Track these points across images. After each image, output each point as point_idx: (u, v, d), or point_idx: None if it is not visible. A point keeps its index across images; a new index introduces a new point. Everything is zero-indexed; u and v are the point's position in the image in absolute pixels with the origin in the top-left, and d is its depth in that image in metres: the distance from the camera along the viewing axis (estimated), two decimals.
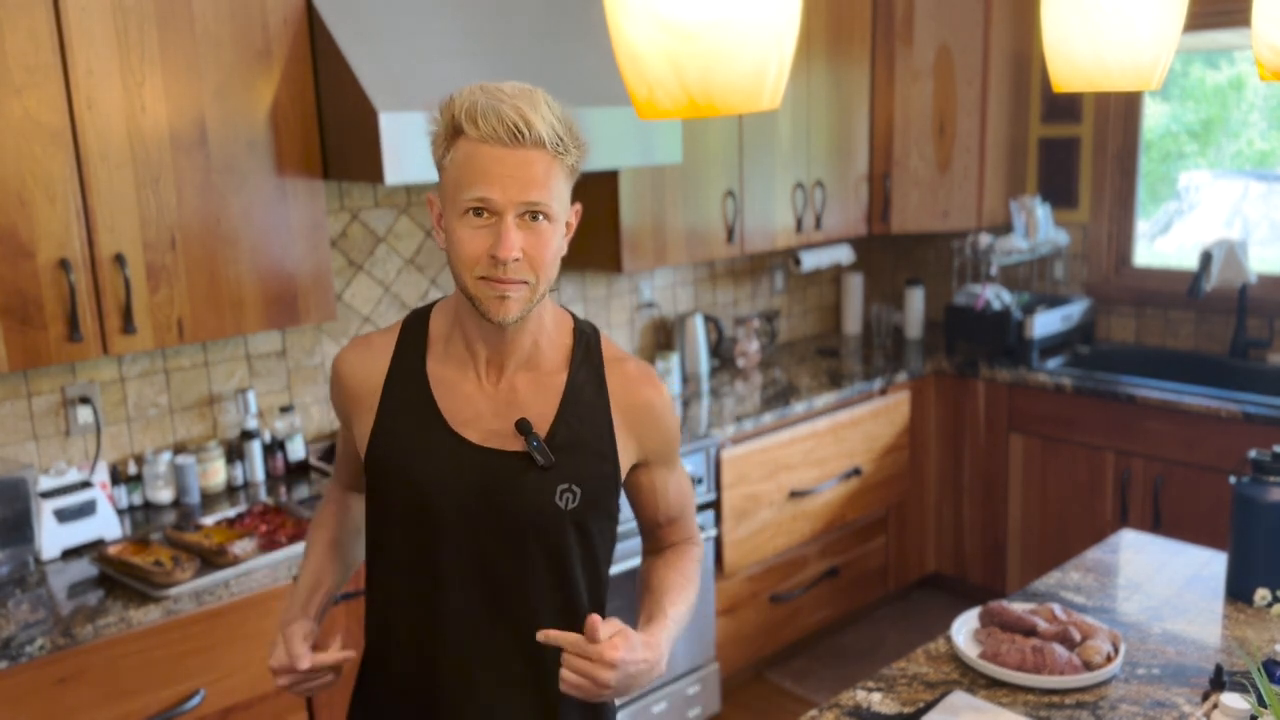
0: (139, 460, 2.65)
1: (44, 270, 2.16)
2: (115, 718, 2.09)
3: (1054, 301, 3.99)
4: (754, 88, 1.01)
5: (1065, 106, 4.02)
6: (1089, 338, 4.03)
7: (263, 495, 2.69)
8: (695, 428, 3.19)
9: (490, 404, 1.41)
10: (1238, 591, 2.00)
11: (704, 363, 3.73)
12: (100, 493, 2.41)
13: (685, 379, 3.71)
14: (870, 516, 3.79)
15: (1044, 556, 3.77)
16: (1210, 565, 2.17)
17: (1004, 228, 4.07)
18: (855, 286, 4.39)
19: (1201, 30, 3.62)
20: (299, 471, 2.85)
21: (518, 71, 2.67)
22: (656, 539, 1.59)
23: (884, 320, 4.22)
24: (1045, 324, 3.79)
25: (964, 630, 1.88)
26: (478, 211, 1.28)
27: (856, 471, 3.62)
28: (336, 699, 2.41)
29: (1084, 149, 4.02)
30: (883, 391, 3.74)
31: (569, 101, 2.79)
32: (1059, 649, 1.73)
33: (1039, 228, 3.90)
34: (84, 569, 2.27)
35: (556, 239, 1.32)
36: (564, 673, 1.30)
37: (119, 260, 2.25)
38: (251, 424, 2.75)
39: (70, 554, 2.34)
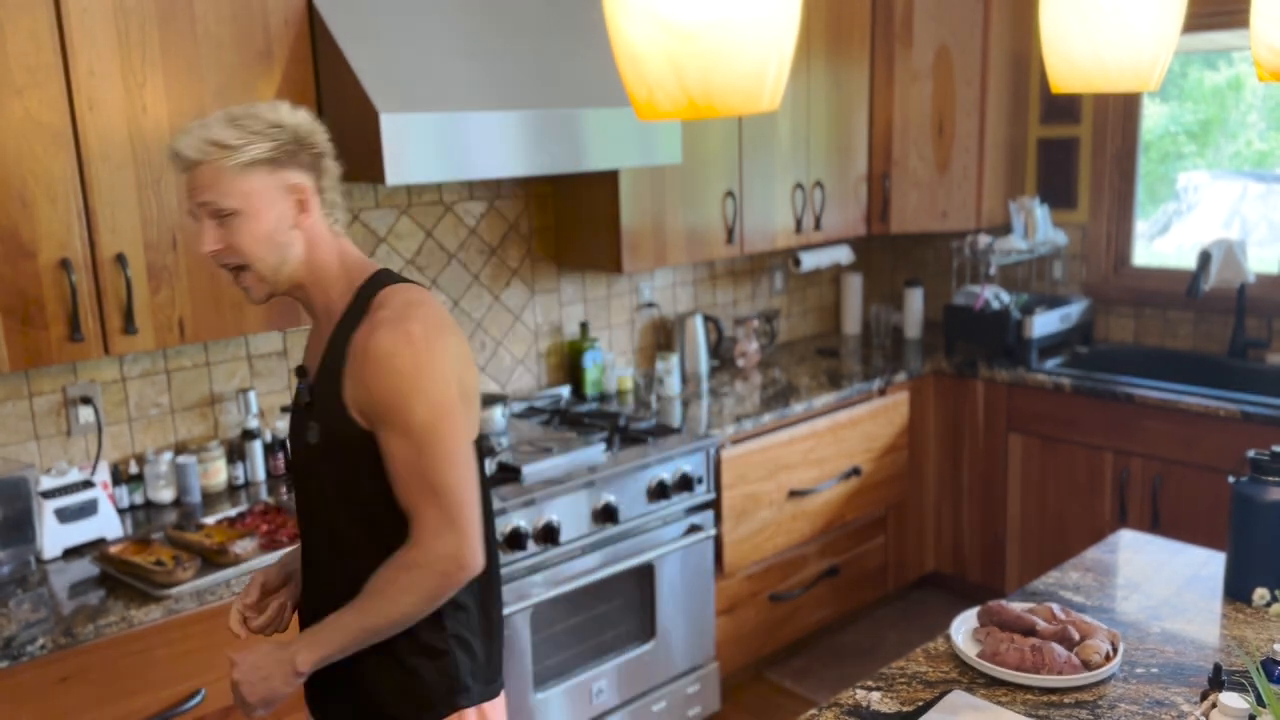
0: (140, 460, 2.65)
1: (45, 270, 2.16)
2: (116, 717, 2.10)
3: (1053, 302, 4.00)
4: (754, 88, 1.02)
5: (1064, 107, 4.03)
6: (1088, 338, 4.03)
7: (264, 495, 2.69)
8: (695, 428, 3.20)
9: (313, 355, 1.65)
10: (1236, 591, 2.00)
11: (704, 363, 3.74)
12: (101, 492, 2.41)
13: (685, 379, 3.71)
14: (869, 516, 3.79)
15: (1043, 556, 3.77)
16: (1209, 565, 2.17)
17: (1003, 228, 4.08)
18: (855, 287, 4.39)
19: (1200, 31, 3.62)
20: None
21: (518, 72, 2.68)
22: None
23: (883, 320, 4.23)
24: (1044, 324, 3.80)
25: (963, 629, 1.88)
26: (195, 220, 1.56)
27: (856, 471, 3.62)
28: None
29: (1083, 149, 4.02)
30: (882, 392, 3.74)
31: (569, 101, 2.80)
32: (1058, 648, 1.74)
33: (1038, 228, 3.91)
34: (85, 568, 2.27)
35: (251, 225, 1.52)
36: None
37: (120, 260, 2.25)
38: (253, 424, 2.75)
39: (71, 553, 2.34)
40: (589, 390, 3.49)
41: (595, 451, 2.91)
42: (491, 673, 1.67)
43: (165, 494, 2.63)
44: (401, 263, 3.10)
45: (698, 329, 3.72)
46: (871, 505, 3.74)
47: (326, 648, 1.51)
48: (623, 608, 2.98)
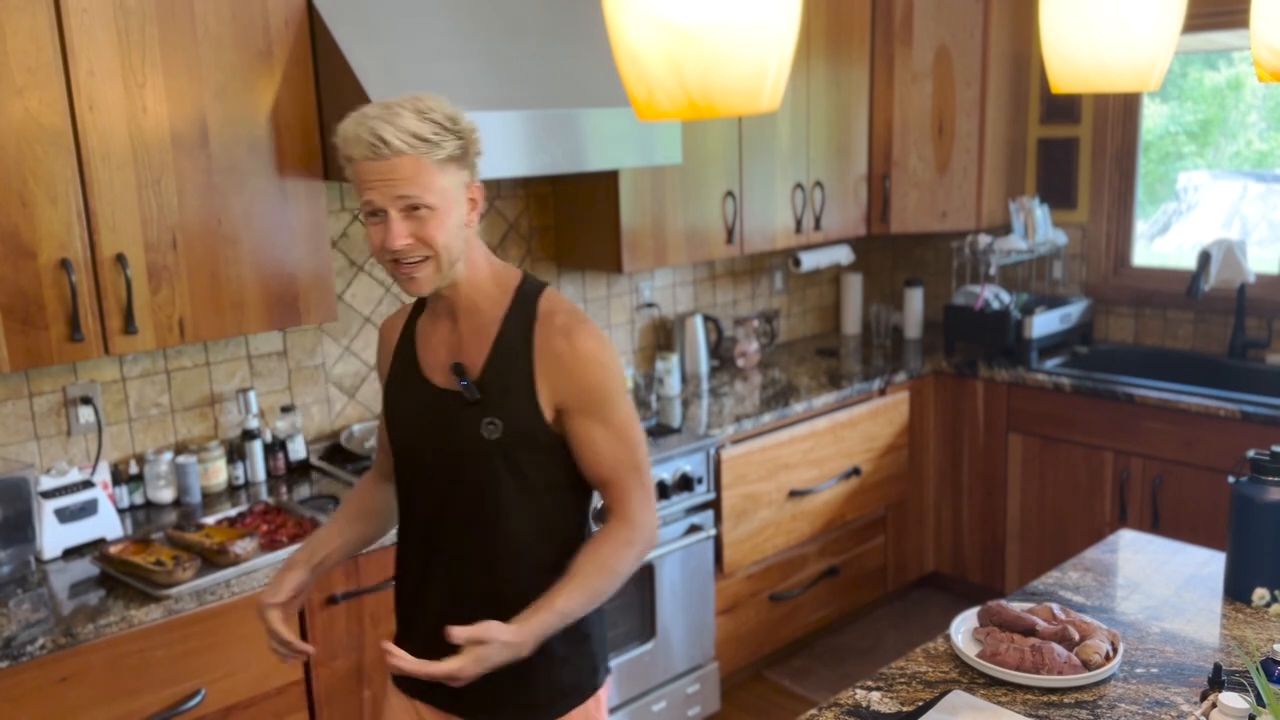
0: (140, 460, 2.65)
1: (45, 270, 2.16)
2: (116, 717, 2.10)
3: (1053, 302, 4.00)
4: (753, 89, 1.02)
5: (1064, 107, 4.03)
6: (1088, 338, 4.03)
7: (264, 495, 2.69)
8: (695, 428, 3.20)
9: (446, 350, 1.67)
10: (1236, 591, 2.00)
11: (704, 363, 3.74)
12: (101, 492, 2.41)
13: (685, 379, 3.71)
14: (869, 516, 3.79)
15: (1043, 556, 3.77)
16: (1209, 565, 2.17)
17: (1003, 228, 4.08)
18: (854, 287, 4.39)
19: (1200, 31, 3.63)
20: (300, 471, 2.85)
21: (518, 72, 2.68)
22: (603, 501, 1.68)
23: (883, 320, 4.23)
24: (1044, 324, 3.80)
25: (963, 629, 1.88)
26: (372, 213, 1.54)
27: (856, 471, 3.62)
28: (336, 698, 2.42)
29: (1083, 150, 4.02)
30: (882, 391, 3.74)
31: (569, 102, 2.80)
32: (1058, 648, 1.74)
33: (1038, 228, 3.91)
34: (85, 568, 2.27)
35: (443, 220, 1.54)
36: (419, 668, 1.51)
37: (120, 260, 2.25)
38: (253, 424, 2.75)
39: (71, 553, 2.34)
40: None
41: None
42: (607, 650, 1.80)
43: (165, 494, 2.63)
44: None
45: (698, 329, 3.72)
46: (871, 505, 3.74)
47: (546, 633, 1.57)
48: (622, 607, 2.98)
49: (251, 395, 2.76)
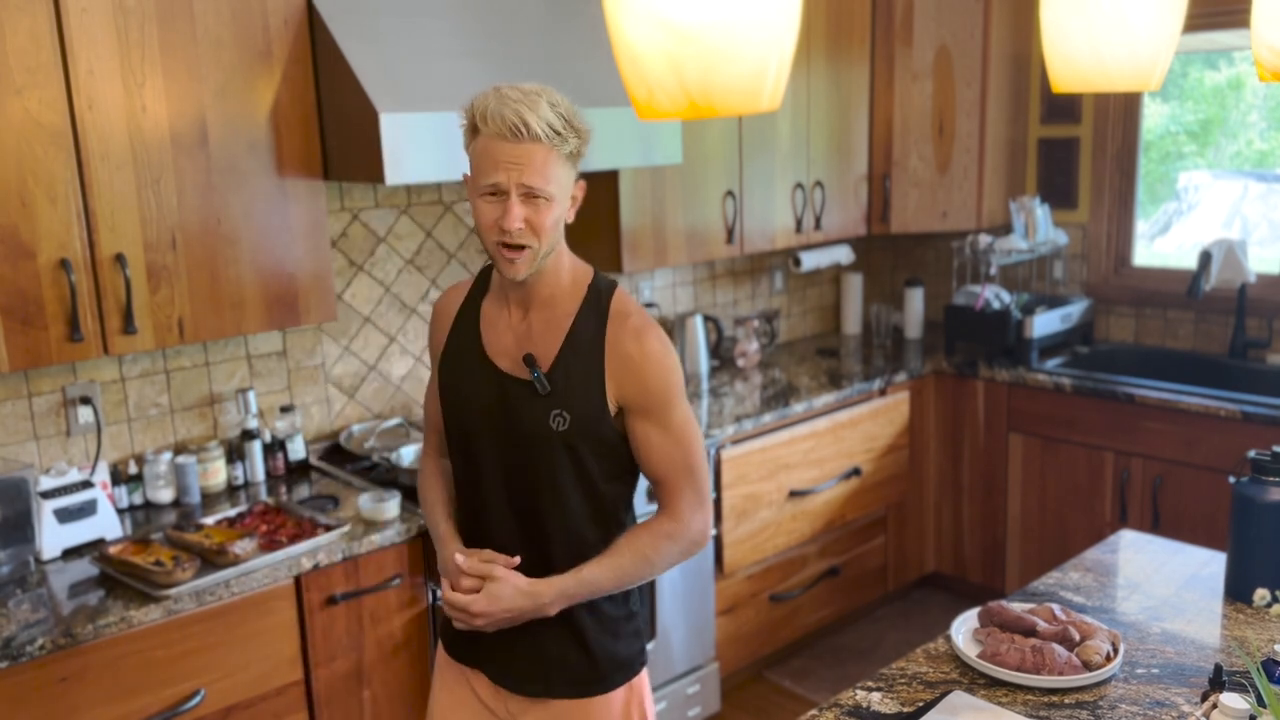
0: (139, 460, 2.65)
1: (45, 270, 2.16)
2: (116, 717, 2.10)
3: (1053, 302, 4.00)
4: (754, 89, 1.02)
5: (1064, 107, 4.03)
6: (1088, 338, 4.03)
7: (263, 495, 2.69)
8: None
9: (515, 337, 1.73)
10: (1237, 591, 2.00)
11: (704, 363, 3.74)
12: (101, 492, 2.41)
13: (685, 379, 3.70)
14: (870, 516, 3.79)
15: (1043, 556, 3.77)
16: (1209, 565, 2.17)
17: (1003, 228, 4.08)
18: (855, 287, 4.39)
19: (1201, 31, 3.62)
20: (299, 471, 2.85)
21: (517, 72, 2.68)
22: (656, 497, 1.77)
23: (883, 320, 4.23)
24: (1044, 324, 3.80)
25: (963, 630, 1.88)
26: (492, 192, 1.60)
27: (856, 471, 3.62)
28: (336, 698, 2.41)
29: (1083, 149, 4.02)
30: (882, 392, 3.74)
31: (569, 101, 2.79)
32: (1058, 649, 1.74)
33: (1038, 228, 3.90)
34: (84, 569, 2.27)
35: (554, 211, 1.62)
36: (446, 593, 1.71)
37: (120, 260, 2.25)
38: (252, 424, 2.75)
39: (71, 554, 2.34)
40: None
41: None
42: (647, 632, 1.90)
43: (164, 494, 2.63)
44: (401, 263, 3.10)
45: (698, 329, 3.72)
46: (871, 505, 3.74)
47: (574, 600, 1.70)
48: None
49: (251, 395, 2.76)
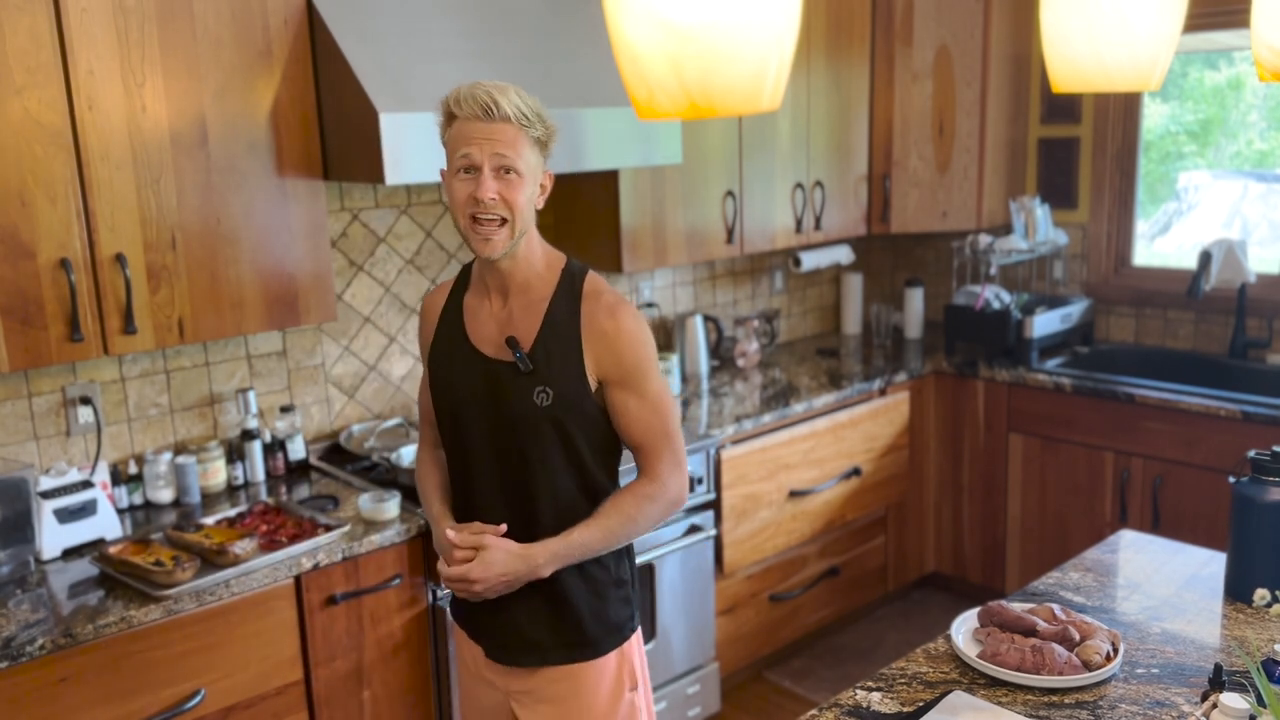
0: (139, 460, 2.65)
1: (45, 270, 2.16)
2: (115, 718, 2.09)
3: (1053, 302, 3.99)
4: (754, 89, 1.02)
5: (1065, 107, 4.03)
6: (1088, 338, 4.03)
7: (263, 495, 2.69)
8: (695, 428, 3.19)
9: (496, 324, 1.83)
10: (1237, 591, 2.00)
11: (704, 363, 3.74)
12: (101, 492, 2.41)
13: (685, 379, 3.71)
14: (870, 516, 3.79)
15: (1043, 556, 3.77)
16: (1209, 565, 2.17)
17: (1003, 228, 4.08)
18: (855, 287, 4.39)
19: (1201, 31, 3.62)
20: (299, 471, 2.85)
21: (517, 72, 2.68)
22: (636, 462, 1.88)
23: (883, 320, 4.23)
24: (1044, 324, 3.80)
25: (963, 630, 1.88)
26: (466, 169, 1.71)
27: (856, 471, 3.62)
28: (336, 698, 2.41)
29: (1083, 149, 4.02)
30: (882, 391, 3.74)
31: (569, 102, 2.81)
32: (1058, 649, 1.74)
33: (1038, 228, 3.90)
34: (84, 569, 2.27)
35: (525, 189, 1.73)
36: (442, 569, 1.82)
37: (119, 260, 2.25)
38: (252, 424, 2.75)
39: (71, 554, 2.34)
40: None
41: None
42: (639, 598, 1.99)
43: (164, 494, 2.63)
44: (401, 263, 3.10)
45: (698, 329, 3.72)
46: (871, 505, 3.74)
47: (565, 561, 1.80)
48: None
49: (251, 395, 2.76)
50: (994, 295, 3.91)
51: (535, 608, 1.85)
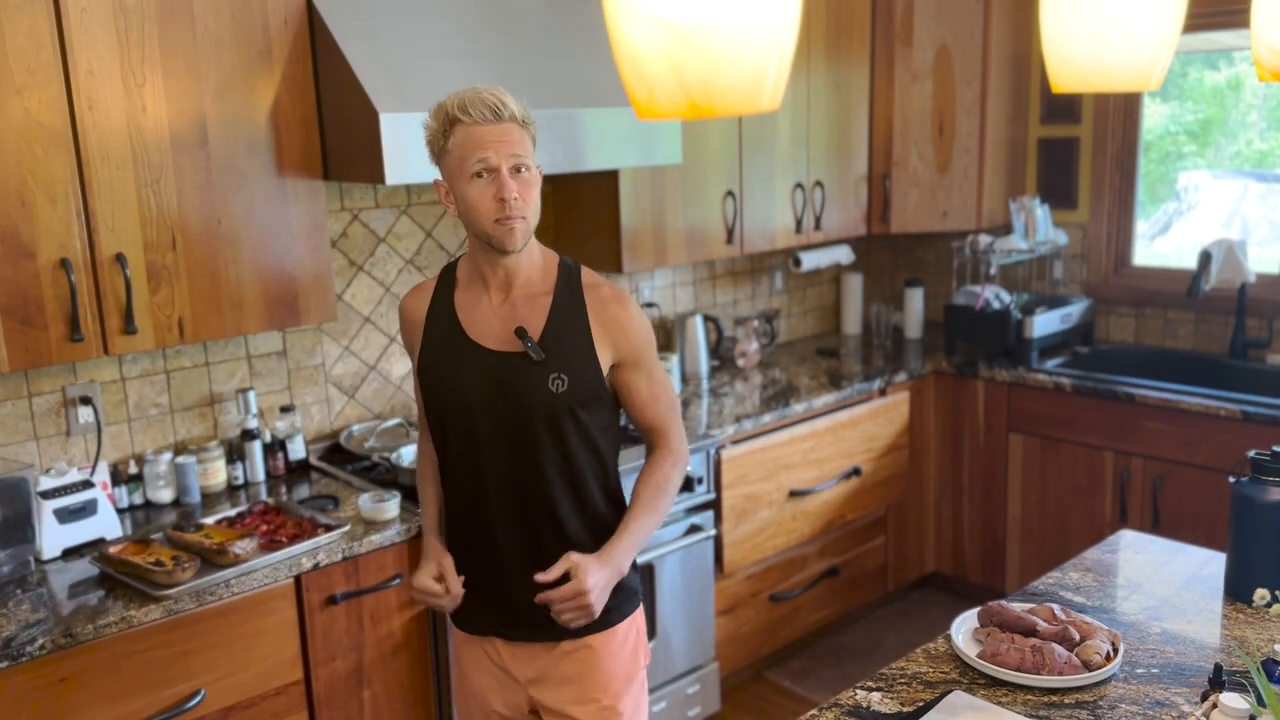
0: (139, 460, 2.65)
1: (45, 270, 2.16)
2: (115, 717, 2.09)
3: (1053, 302, 3.99)
4: (754, 89, 1.02)
5: (1064, 107, 4.03)
6: (1088, 338, 4.03)
7: (263, 495, 2.69)
8: (695, 427, 3.19)
9: (498, 320, 1.86)
10: (1237, 591, 2.00)
11: (704, 363, 3.74)
12: (101, 492, 2.41)
13: (685, 379, 3.71)
14: (870, 516, 3.79)
15: (1043, 556, 3.77)
16: (1209, 565, 2.17)
17: (1003, 228, 4.08)
18: (855, 287, 4.39)
19: (1200, 31, 3.62)
20: (299, 471, 2.85)
21: (518, 72, 2.68)
22: (646, 440, 2.00)
23: (883, 320, 4.23)
24: (1044, 324, 3.80)
25: (963, 630, 1.88)
26: (481, 174, 1.75)
27: (856, 471, 3.62)
28: (336, 699, 2.41)
29: (1083, 149, 4.02)
30: (882, 392, 3.74)
31: (569, 102, 2.81)
32: (1058, 649, 1.74)
33: (1038, 228, 3.90)
34: (84, 569, 2.27)
35: (536, 186, 1.81)
36: (563, 616, 1.82)
37: (120, 260, 2.25)
38: (252, 424, 2.75)
39: (71, 554, 2.34)
40: None
41: None
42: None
43: (164, 494, 2.63)
44: (401, 263, 3.10)
45: (698, 329, 3.72)
46: (871, 505, 3.74)
47: (635, 551, 1.90)
48: None
49: (251, 395, 2.76)
50: (994, 295, 3.91)
51: (544, 566, 1.88)
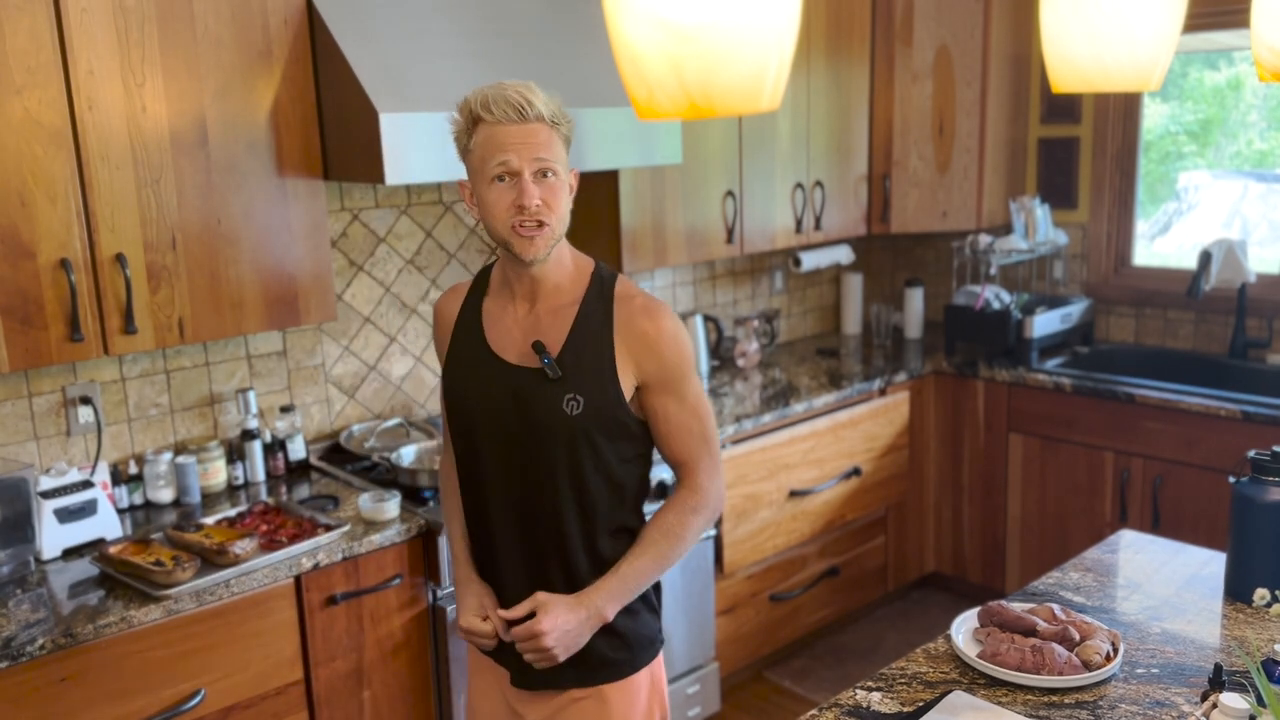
0: (139, 460, 2.65)
1: (45, 270, 2.16)
2: (116, 717, 2.09)
3: (1053, 302, 3.99)
4: (754, 89, 1.02)
5: (1064, 107, 4.03)
6: (1088, 338, 4.03)
7: (263, 495, 2.69)
8: None
9: (521, 330, 1.74)
10: (1237, 591, 2.00)
11: (704, 363, 3.74)
12: (101, 492, 2.41)
13: None
14: (870, 516, 3.79)
15: (1043, 556, 3.77)
16: (1209, 565, 2.17)
17: (1003, 228, 4.08)
18: (855, 287, 4.39)
19: (1200, 31, 3.62)
20: (299, 471, 2.85)
21: (518, 72, 2.68)
22: (673, 470, 1.80)
23: (884, 320, 4.23)
24: (1044, 324, 3.80)
25: (963, 630, 1.88)
26: (501, 177, 1.62)
27: (856, 471, 3.62)
28: (336, 699, 2.41)
29: (1083, 149, 4.02)
30: (882, 391, 3.74)
31: (569, 102, 2.80)
32: (1058, 649, 1.74)
33: (1038, 228, 3.90)
34: (84, 569, 2.27)
35: (564, 191, 1.67)
36: (525, 656, 1.70)
37: (120, 260, 2.25)
38: (252, 424, 2.75)
39: (71, 554, 2.34)
40: None
41: None
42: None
43: (164, 494, 2.63)
44: (401, 263, 3.10)
45: (698, 329, 3.72)
46: (871, 505, 3.74)
47: (626, 597, 1.72)
48: None
49: (251, 395, 2.76)
50: (994, 295, 3.91)
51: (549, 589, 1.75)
